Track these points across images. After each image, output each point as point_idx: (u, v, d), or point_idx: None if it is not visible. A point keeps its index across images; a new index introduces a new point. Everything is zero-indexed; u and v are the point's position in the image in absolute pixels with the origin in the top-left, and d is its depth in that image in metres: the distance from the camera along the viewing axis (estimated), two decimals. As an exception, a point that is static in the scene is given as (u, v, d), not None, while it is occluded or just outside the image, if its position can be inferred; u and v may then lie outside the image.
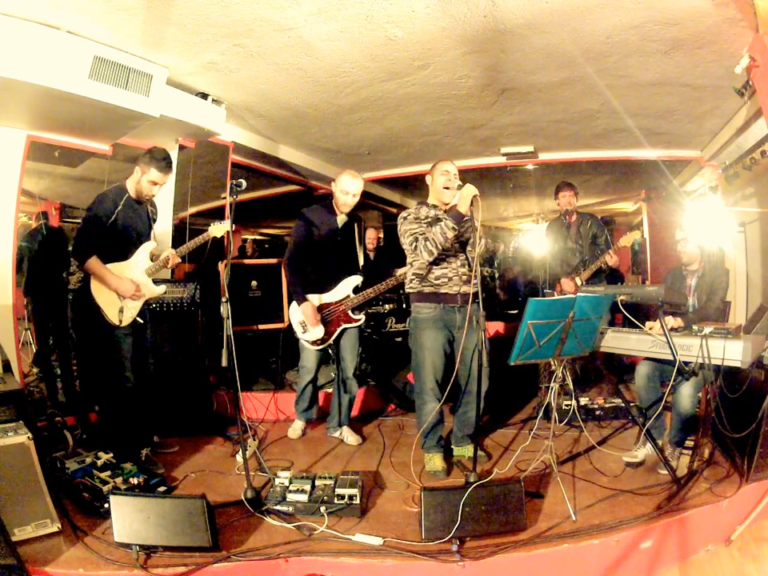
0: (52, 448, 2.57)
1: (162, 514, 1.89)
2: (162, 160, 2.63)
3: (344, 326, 3.08)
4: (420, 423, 2.73)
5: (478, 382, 2.35)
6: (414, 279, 2.74)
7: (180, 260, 2.80)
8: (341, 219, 3.08)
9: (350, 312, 3.07)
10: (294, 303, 3.05)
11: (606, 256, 3.73)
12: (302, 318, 3.03)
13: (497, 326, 4.21)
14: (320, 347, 3.09)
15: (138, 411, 2.77)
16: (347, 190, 2.98)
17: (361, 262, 3.19)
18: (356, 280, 3.10)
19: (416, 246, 2.58)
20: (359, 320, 3.10)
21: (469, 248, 2.70)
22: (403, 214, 2.72)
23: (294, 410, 3.37)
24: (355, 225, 3.15)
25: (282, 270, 3.06)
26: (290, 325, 3.18)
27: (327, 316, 3.05)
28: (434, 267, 2.67)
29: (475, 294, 2.61)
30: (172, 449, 2.96)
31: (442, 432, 2.81)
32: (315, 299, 3.05)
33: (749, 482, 2.29)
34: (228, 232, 2.70)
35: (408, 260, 2.77)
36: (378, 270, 3.61)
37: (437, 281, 2.68)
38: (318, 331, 3.04)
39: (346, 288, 3.08)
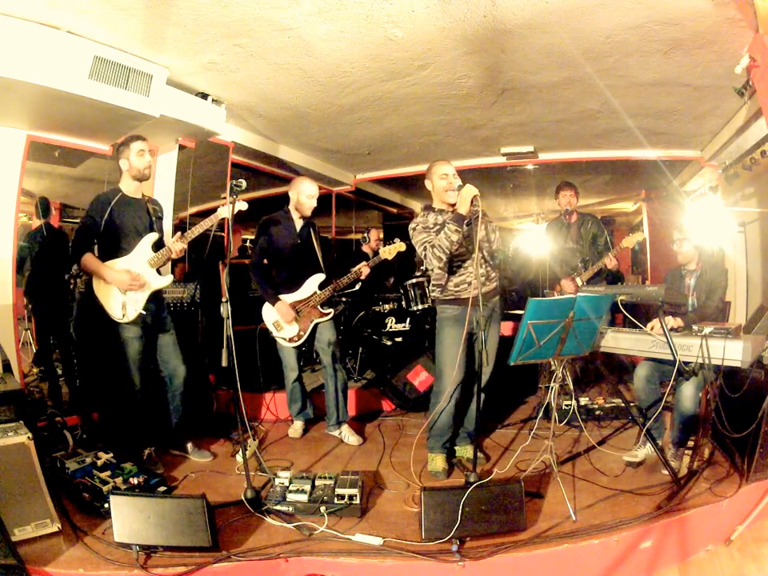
0: (52, 448, 2.57)
1: (162, 514, 1.89)
2: (133, 135, 2.72)
3: (315, 320, 3.19)
4: (432, 422, 2.71)
5: (478, 380, 2.36)
6: (434, 290, 2.74)
7: (184, 245, 2.69)
8: (299, 223, 3.22)
9: (319, 307, 3.19)
10: (267, 305, 3.17)
11: (606, 259, 3.72)
12: (275, 318, 3.16)
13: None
14: (296, 344, 3.19)
15: (143, 413, 2.74)
16: (312, 194, 3.15)
17: (321, 260, 3.31)
18: (320, 277, 3.22)
19: (426, 254, 2.58)
20: (329, 313, 3.23)
21: (485, 244, 2.66)
22: (412, 224, 2.70)
23: (290, 412, 3.39)
24: (311, 229, 3.26)
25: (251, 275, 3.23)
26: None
27: (299, 313, 3.16)
28: (452, 276, 2.65)
29: (494, 291, 2.72)
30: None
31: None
32: (286, 299, 3.15)
33: (749, 481, 2.29)
34: (228, 232, 2.70)
35: (427, 267, 2.77)
36: (377, 270, 3.62)
37: (456, 288, 2.65)
38: (293, 329, 3.16)
39: (311, 285, 3.20)
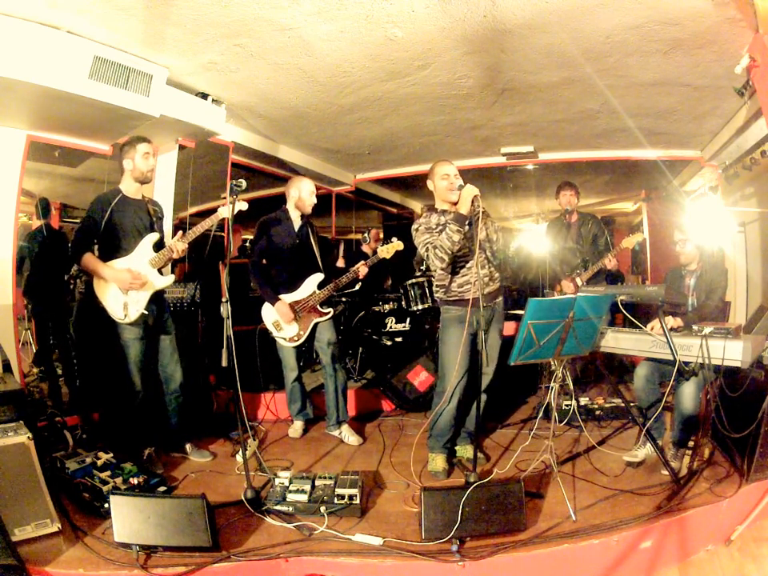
0: (52, 448, 2.57)
1: (162, 514, 1.89)
2: (140, 137, 2.71)
3: (315, 320, 3.18)
4: (433, 421, 2.71)
5: (479, 380, 2.36)
6: (438, 291, 2.73)
7: (185, 245, 2.68)
8: (297, 223, 3.22)
9: (318, 306, 3.19)
10: (266, 305, 3.16)
11: (605, 259, 3.72)
12: (274, 318, 3.16)
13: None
14: (296, 344, 3.19)
15: (143, 413, 2.73)
16: (313, 190, 3.19)
17: (319, 260, 3.30)
18: (318, 277, 3.21)
19: (428, 255, 2.59)
20: (328, 313, 3.22)
21: (487, 244, 2.66)
22: (415, 225, 2.70)
23: (289, 411, 3.39)
24: (310, 229, 3.25)
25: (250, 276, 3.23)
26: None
27: (298, 312, 3.15)
28: (456, 277, 2.65)
29: (497, 291, 2.71)
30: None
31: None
32: (285, 298, 3.14)
33: (749, 481, 2.29)
34: (228, 231, 2.69)
35: (431, 269, 2.76)
36: (378, 269, 3.63)
37: (460, 289, 2.64)
38: (293, 328, 3.16)
39: (310, 285, 3.19)
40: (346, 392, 3.29)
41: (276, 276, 3.18)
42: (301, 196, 3.15)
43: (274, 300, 3.11)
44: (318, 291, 3.18)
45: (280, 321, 3.14)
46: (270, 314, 3.16)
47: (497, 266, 2.74)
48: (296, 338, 3.16)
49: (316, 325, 3.19)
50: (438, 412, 2.67)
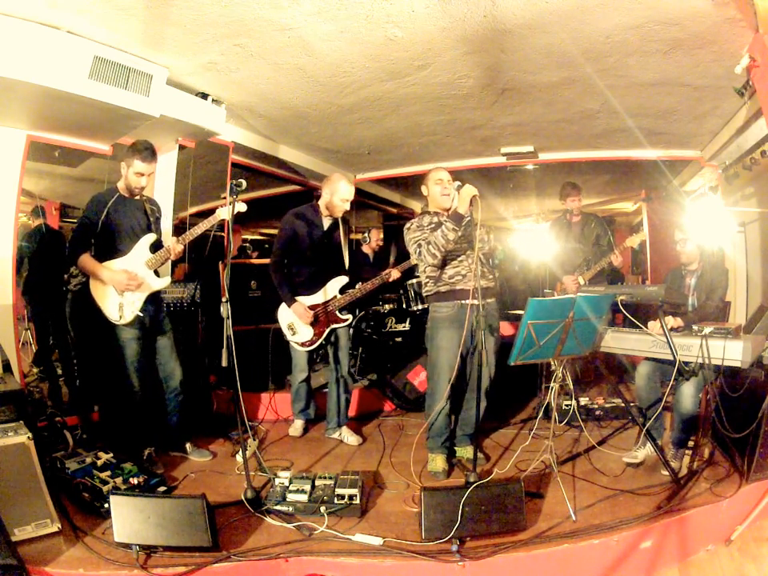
0: (52, 448, 2.57)
1: (162, 514, 1.89)
2: (144, 150, 2.59)
3: (332, 326, 3.10)
4: (430, 423, 2.72)
5: (478, 381, 2.36)
6: (428, 282, 2.72)
7: (182, 247, 2.68)
8: (327, 221, 3.11)
9: (337, 312, 3.10)
10: (283, 306, 3.07)
11: (612, 256, 3.71)
12: (290, 320, 3.07)
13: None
14: (309, 349, 3.12)
15: (142, 413, 2.73)
16: (347, 197, 3.01)
17: (347, 261, 3.21)
18: (342, 280, 3.12)
19: (419, 251, 2.60)
20: (347, 320, 3.12)
21: (479, 244, 2.67)
22: (407, 224, 2.73)
23: (292, 410, 3.38)
24: (341, 226, 3.14)
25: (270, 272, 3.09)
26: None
27: (316, 317, 3.06)
28: (446, 268, 2.66)
29: (489, 291, 2.68)
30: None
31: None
32: (304, 301, 3.06)
33: (749, 481, 2.29)
34: (228, 231, 2.69)
35: (420, 268, 2.77)
36: (377, 270, 3.62)
37: (451, 279, 2.65)
38: (307, 333, 3.07)
39: (332, 288, 3.10)
40: (350, 399, 3.27)
41: (296, 275, 3.06)
42: (332, 200, 3.00)
43: (290, 301, 3.00)
44: (339, 296, 3.08)
45: (295, 323, 3.06)
46: (285, 315, 3.07)
47: (490, 268, 2.74)
48: (308, 344, 3.09)
49: (332, 331, 3.10)
50: (435, 413, 2.67)
